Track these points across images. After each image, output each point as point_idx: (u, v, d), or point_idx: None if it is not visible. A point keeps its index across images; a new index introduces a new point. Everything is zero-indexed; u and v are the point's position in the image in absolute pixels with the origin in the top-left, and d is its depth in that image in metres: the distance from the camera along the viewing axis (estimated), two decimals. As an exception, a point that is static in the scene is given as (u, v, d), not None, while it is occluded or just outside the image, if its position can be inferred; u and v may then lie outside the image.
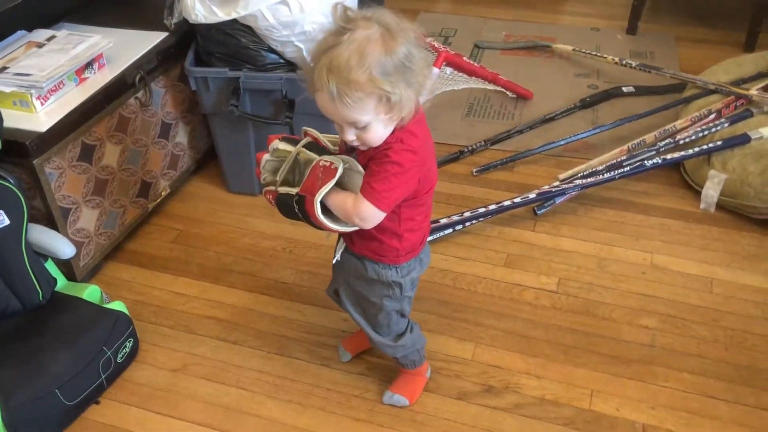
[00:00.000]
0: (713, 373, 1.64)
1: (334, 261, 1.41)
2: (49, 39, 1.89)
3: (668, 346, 1.71)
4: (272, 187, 1.29)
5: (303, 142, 1.29)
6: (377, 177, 1.16)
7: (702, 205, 2.13)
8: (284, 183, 1.29)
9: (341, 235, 1.36)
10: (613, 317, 1.79)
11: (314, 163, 1.21)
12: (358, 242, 1.33)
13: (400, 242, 1.31)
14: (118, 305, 1.67)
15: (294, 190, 1.23)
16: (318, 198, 1.17)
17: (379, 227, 1.23)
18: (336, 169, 1.17)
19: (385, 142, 1.17)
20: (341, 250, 1.39)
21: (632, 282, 1.89)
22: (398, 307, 1.42)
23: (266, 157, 1.31)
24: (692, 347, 1.70)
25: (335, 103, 1.07)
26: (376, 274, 1.36)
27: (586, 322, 1.78)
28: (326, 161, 1.19)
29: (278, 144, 1.30)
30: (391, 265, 1.35)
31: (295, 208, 1.23)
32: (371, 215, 1.18)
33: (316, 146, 1.27)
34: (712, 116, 2.25)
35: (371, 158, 1.19)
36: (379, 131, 1.14)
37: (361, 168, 1.19)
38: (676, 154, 2.12)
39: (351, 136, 1.14)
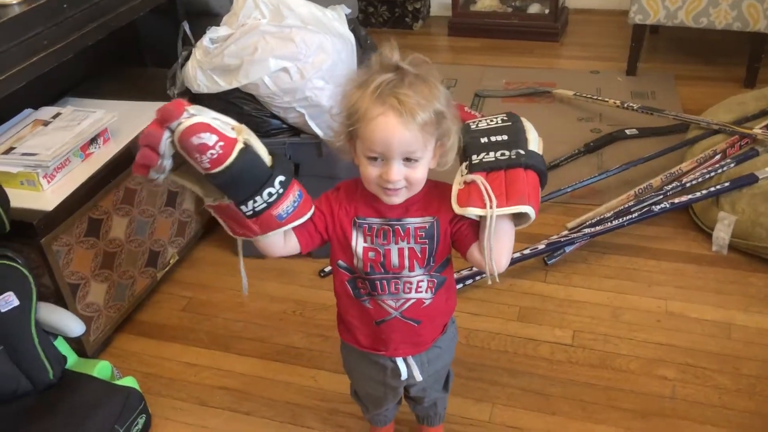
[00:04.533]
0: (738, 424, 1.60)
1: (416, 380, 1.29)
2: (55, 116, 1.92)
3: (689, 398, 1.67)
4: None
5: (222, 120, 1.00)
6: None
7: (714, 248, 2.11)
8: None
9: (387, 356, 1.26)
10: (631, 369, 1.76)
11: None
12: (428, 327, 1.24)
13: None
14: (129, 381, 1.65)
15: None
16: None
17: (449, 284, 1.22)
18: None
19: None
20: (414, 367, 1.27)
21: (648, 331, 1.86)
22: None
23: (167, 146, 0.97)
24: (714, 398, 1.66)
25: (403, 123, 1.00)
26: (452, 335, 1.33)
27: (603, 375, 1.75)
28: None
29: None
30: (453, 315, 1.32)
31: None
32: None
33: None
34: (717, 157, 2.24)
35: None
36: (425, 171, 1.08)
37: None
38: (684, 198, 2.10)
39: (398, 175, 1.04)
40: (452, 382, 1.47)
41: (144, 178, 1.00)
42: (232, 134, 0.98)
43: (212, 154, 0.95)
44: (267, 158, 1.02)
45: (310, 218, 1.11)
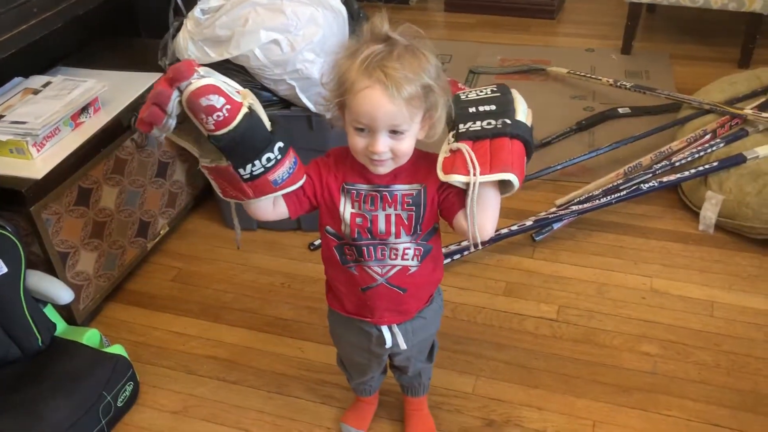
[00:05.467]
0: (716, 399, 1.62)
1: (401, 349, 1.31)
2: (45, 85, 1.91)
3: (670, 373, 1.69)
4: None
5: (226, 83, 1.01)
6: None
7: (701, 227, 2.12)
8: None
9: (376, 323, 1.28)
10: (614, 345, 1.78)
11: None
12: (414, 297, 1.26)
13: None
14: (117, 349, 1.67)
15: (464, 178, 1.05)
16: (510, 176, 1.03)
17: (436, 254, 1.23)
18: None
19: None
20: (398, 336, 1.29)
21: (632, 308, 1.88)
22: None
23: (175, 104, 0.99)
24: (694, 373, 1.69)
25: (388, 97, 1.00)
26: (438, 306, 1.35)
27: (586, 350, 1.77)
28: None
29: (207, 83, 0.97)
30: (439, 287, 1.34)
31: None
32: None
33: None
34: (707, 137, 2.25)
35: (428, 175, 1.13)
36: (411, 143, 1.09)
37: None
38: (672, 177, 2.11)
39: (384, 147, 1.05)
40: (437, 353, 1.49)
41: (144, 135, 1.02)
42: (238, 98, 1.00)
43: (218, 116, 0.97)
44: (267, 124, 1.04)
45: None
